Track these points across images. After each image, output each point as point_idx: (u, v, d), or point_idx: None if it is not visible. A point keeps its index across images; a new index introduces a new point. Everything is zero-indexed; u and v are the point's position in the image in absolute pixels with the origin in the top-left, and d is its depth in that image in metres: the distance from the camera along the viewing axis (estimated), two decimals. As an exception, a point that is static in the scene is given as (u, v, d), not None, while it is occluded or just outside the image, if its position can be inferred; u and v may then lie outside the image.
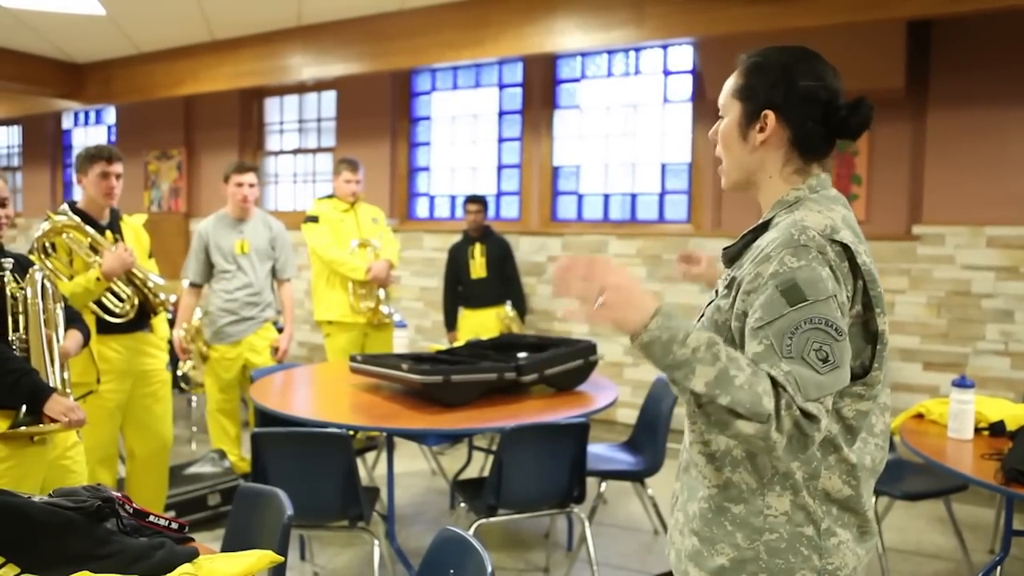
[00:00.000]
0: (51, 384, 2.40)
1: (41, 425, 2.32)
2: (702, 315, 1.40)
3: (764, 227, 1.36)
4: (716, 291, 1.39)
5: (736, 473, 1.32)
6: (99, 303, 3.27)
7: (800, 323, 1.18)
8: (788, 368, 1.17)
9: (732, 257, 1.40)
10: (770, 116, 1.35)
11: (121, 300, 3.33)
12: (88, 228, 3.25)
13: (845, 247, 1.24)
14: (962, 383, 2.76)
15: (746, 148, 1.39)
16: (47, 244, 3.16)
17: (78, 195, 3.40)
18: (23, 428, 2.28)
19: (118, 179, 3.36)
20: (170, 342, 4.07)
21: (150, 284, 3.39)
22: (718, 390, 1.15)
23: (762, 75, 1.37)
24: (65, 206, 3.27)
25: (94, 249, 3.24)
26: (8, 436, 2.26)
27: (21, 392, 2.29)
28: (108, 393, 3.33)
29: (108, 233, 3.35)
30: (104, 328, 3.30)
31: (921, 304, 4.76)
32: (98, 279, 3.16)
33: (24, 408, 2.29)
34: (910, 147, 4.85)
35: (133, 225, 3.54)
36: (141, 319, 3.41)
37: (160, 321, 3.56)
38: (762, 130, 1.36)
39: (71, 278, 3.17)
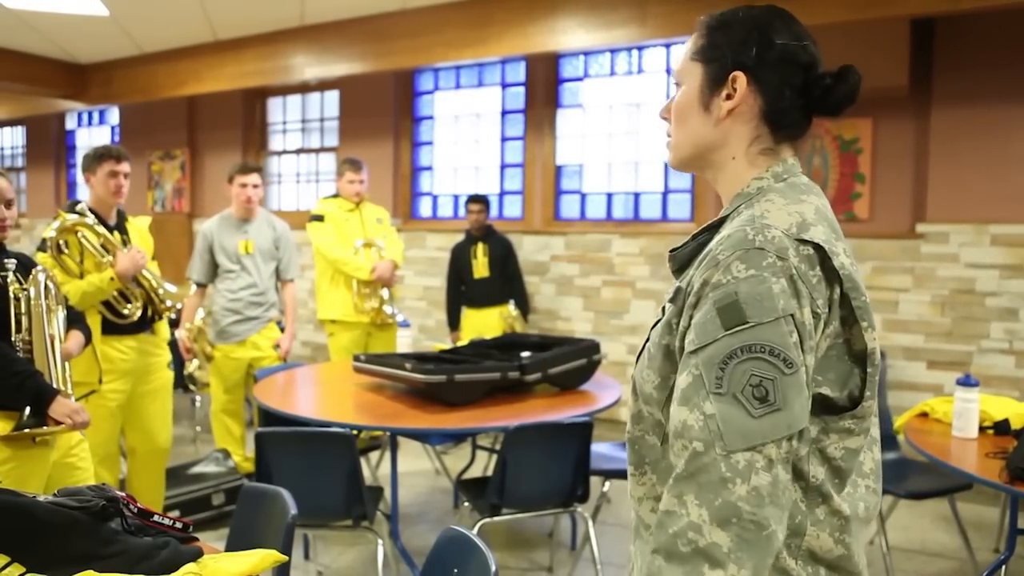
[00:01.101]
0: (54, 385, 2.41)
1: (45, 427, 2.32)
2: (647, 340, 1.12)
3: (720, 224, 1.10)
4: (663, 308, 1.11)
5: None
6: (107, 303, 3.29)
7: (736, 351, 0.94)
8: (713, 410, 0.94)
9: (682, 264, 1.13)
10: (740, 79, 1.09)
11: (129, 302, 3.34)
12: (100, 228, 3.26)
13: (817, 248, 0.99)
14: (966, 382, 2.76)
15: (708, 120, 1.12)
16: (60, 242, 3.17)
17: (84, 195, 3.41)
18: (27, 430, 2.29)
19: (126, 178, 3.39)
20: (173, 343, 4.07)
21: (159, 290, 3.41)
22: None
23: (730, 32, 1.12)
24: (83, 204, 3.29)
25: (106, 249, 3.26)
26: (10, 438, 2.27)
27: (26, 394, 2.30)
28: (110, 393, 3.33)
29: (116, 234, 3.36)
30: (109, 328, 3.32)
31: (925, 302, 4.75)
32: (111, 279, 3.18)
33: (28, 410, 2.30)
34: (914, 145, 4.84)
35: (138, 227, 3.55)
36: (144, 321, 3.43)
37: (161, 323, 3.57)
38: (729, 97, 1.10)
39: (81, 276, 3.18)
